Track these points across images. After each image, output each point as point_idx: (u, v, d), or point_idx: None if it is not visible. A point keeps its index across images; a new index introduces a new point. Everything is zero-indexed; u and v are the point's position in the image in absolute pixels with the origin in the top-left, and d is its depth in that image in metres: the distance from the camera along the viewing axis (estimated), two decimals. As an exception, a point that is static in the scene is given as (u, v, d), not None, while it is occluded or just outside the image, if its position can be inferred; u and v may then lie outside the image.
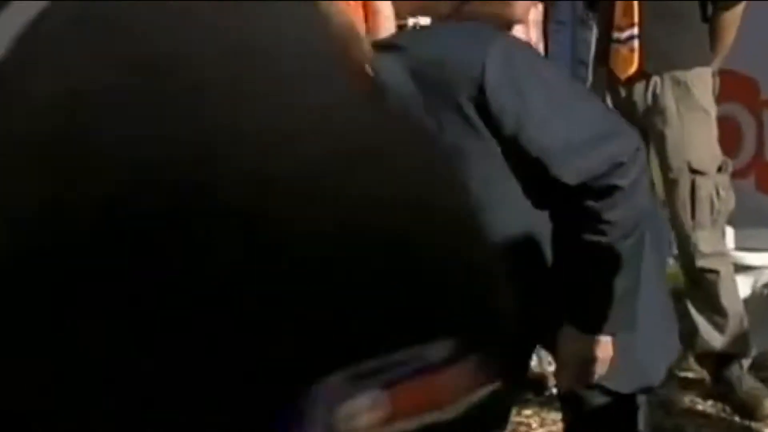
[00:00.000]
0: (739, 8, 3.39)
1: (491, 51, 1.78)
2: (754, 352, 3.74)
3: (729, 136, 4.03)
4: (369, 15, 3.77)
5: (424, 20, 3.38)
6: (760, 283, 3.87)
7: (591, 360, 1.98)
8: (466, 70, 1.77)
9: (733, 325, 3.55)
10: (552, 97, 1.84)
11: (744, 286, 3.84)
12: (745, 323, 3.59)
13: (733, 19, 3.46)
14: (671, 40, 3.31)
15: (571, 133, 1.84)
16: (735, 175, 3.76)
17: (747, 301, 3.81)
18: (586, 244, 1.89)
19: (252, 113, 0.52)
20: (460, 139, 1.79)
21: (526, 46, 2.00)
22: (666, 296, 2.21)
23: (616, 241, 1.89)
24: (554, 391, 3.36)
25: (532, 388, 3.22)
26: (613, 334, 1.97)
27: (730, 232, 3.96)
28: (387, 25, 3.70)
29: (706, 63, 3.41)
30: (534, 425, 3.48)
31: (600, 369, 1.99)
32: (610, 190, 1.84)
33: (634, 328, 2.00)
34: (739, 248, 3.92)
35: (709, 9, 3.46)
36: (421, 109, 1.75)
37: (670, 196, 3.49)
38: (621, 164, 1.83)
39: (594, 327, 1.96)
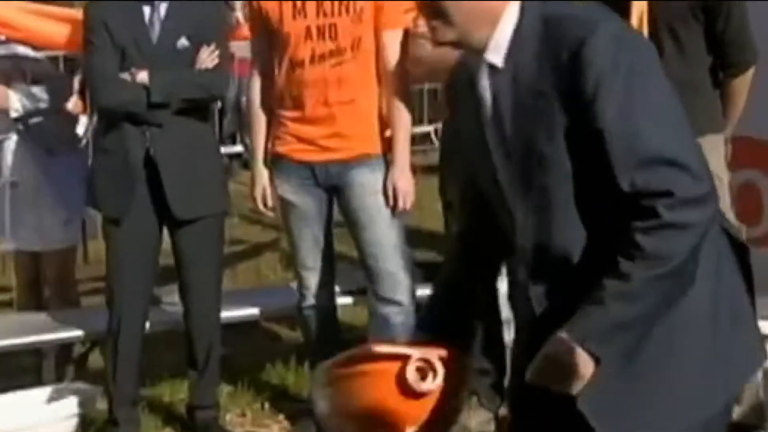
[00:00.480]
0: (749, 74, 3.40)
1: (610, 22, 1.94)
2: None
3: (749, 203, 3.98)
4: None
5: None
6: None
7: (567, 368, 1.94)
8: (578, 28, 1.91)
9: (749, 396, 3.51)
10: (648, 97, 1.90)
11: (763, 355, 3.76)
12: (761, 394, 3.50)
13: (743, 84, 3.47)
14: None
15: (649, 139, 1.87)
16: (756, 242, 3.70)
17: (765, 372, 3.73)
18: (612, 258, 1.89)
19: None
20: (547, 88, 1.92)
21: (655, 51, 2.06)
22: (709, 361, 2.06)
23: (638, 269, 1.87)
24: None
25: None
26: (595, 357, 1.93)
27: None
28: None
29: (717, 130, 3.40)
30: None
31: (572, 383, 1.95)
32: (649, 213, 1.85)
33: (621, 363, 1.95)
34: (759, 317, 3.84)
35: (720, 75, 3.45)
36: (536, 52, 1.95)
37: None
38: (671, 194, 1.84)
39: (581, 338, 1.93)
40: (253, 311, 4.47)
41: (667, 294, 1.92)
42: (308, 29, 3.70)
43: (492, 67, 2.01)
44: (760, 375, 3.54)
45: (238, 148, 8.83)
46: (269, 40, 3.82)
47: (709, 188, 1.90)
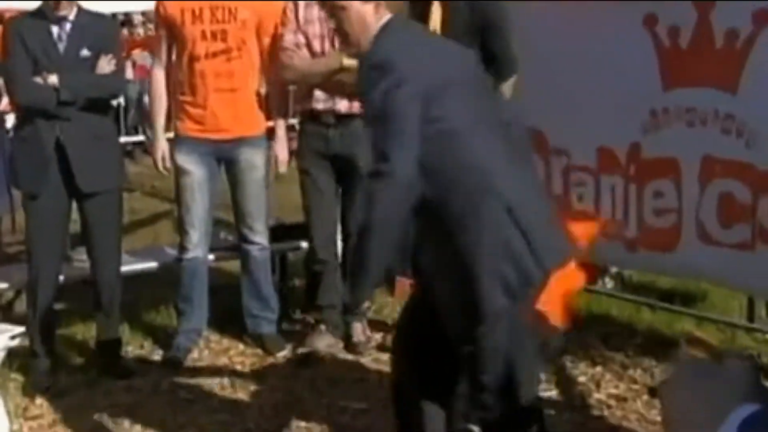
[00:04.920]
0: (512, 80, 3.50)
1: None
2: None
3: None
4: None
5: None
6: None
7: None
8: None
9: None
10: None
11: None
12: None
13: (507, 87, 3.59)
14: None
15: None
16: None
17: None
18: None
19: None
20: None
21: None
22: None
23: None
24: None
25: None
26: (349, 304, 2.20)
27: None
28: None
29: None
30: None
31: None
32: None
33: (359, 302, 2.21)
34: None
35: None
36: None
37: None
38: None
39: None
40: (150, 265, 4.47)
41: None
42: (203, 32, 3.81)
43: None
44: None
45: (141, 137, 8.73)
46: (171, 41, 3.91)
47: (398, 168, 2.09)
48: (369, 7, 2.28)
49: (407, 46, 2.25)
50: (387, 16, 2.30)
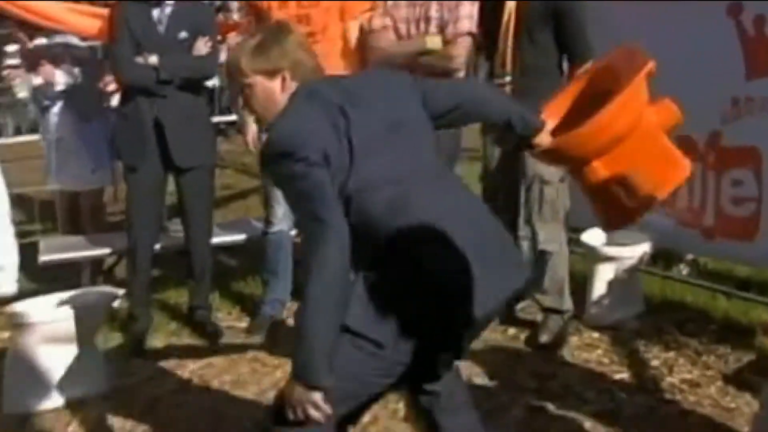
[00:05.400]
0: (587, 65, 3.46)
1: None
2: (618, 316, 3.90)
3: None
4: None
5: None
6: (621, 269, 4.00)
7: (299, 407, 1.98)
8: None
9: (556, 289, 3.72)
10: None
11: (609, 271, 3.98)
12: (566, 289, 3.77)
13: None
14: (534, 89, 3.30)
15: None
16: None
17: (611, 282, 3.96)
18: None
19: None
20: None
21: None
22: None
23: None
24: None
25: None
26: (306, 383, 1.94)
27: (602, 234, 4.10)
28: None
29: None
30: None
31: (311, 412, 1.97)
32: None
33: (321, 380, 1.95)
34: (608, 244, 4.08)
35: (565, 65, 3.56)
36: None
37: (527, 199, 3.67)
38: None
39: (295, 373, 1.98)
40: (239, 237, 4.59)
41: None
42: (289, 17, 3.85)
43: None
44: (566, 277, 3.76)
45: (233, 117, 8.90)
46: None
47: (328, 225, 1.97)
48: (275, 83, 2.17)
49: (305, 119, 2.09)
50: (293, 88, 2.18)
